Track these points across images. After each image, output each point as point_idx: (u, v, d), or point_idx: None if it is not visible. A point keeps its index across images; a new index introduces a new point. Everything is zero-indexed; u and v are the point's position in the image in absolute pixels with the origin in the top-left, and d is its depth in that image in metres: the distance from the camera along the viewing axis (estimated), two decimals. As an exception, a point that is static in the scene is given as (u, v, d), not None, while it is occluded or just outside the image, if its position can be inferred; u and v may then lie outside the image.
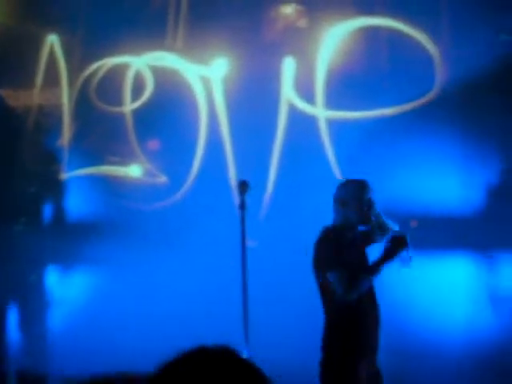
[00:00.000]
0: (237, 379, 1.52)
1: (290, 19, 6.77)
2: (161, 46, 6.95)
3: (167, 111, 6.83)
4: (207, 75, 6.85)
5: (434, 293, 6.31)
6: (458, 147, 6.37)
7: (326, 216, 6.42)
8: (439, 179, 6.35)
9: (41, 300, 6.98)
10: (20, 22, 7.14)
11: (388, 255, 4.68)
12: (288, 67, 6.71)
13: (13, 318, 6.99)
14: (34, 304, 6.97)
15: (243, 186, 5.03)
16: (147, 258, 6.59)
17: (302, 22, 6.76)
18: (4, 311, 6.99)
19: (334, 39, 6.66)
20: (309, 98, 6.67)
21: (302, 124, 6.62)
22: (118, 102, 7.01)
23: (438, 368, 6.15)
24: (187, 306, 6.30)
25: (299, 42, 6.70)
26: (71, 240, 6.78)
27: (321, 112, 6.64)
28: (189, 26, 6.90)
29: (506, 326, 6.24)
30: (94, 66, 7.06)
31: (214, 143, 6.75)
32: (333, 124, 6.61)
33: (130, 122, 6.95)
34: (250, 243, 6.07)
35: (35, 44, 7.14)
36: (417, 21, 6.53)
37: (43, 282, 7.02)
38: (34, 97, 7.13)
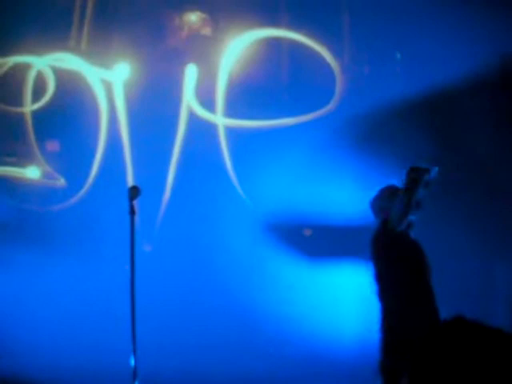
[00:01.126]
0: None
1: (194, 27, 6.82)
2: (64, 48, 6.89)
3: (68, 113, 6.79)
4: (109, 79, 6.83)
5: (326, 302, 6.43)
6: (357, 158, 6.51)
7: (221, 223, 6.52)
8: (336, 190, 6.47)
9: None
10: None
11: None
12: (190, 74, 6.75)
13: None
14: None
15: (134, 191, 5.05)
16: (43, 260, 6.53)
17: (206, 31, 6.81)
18: None
19: (237, 48, 6.74)
20: (209, 105, 6.73)
21: (201, 131, 6.67)
22: (19, 102, 6.91)
23: (328, 379, 6.24)
24: (80, 307, 6.27)
25: (202, 49, 6.76)
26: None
27: (220, 120, 6.70)
28: (93, 28, 6.87)
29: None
30: (-5, 65, 6.94)
31: (114, 147, 6.73)
32: (231, 132, 6.68)
33: (29, 123, 6.87)
34: (145, 247, 6.10)
35: None
36: (319, 35, 6.66)
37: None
38: None
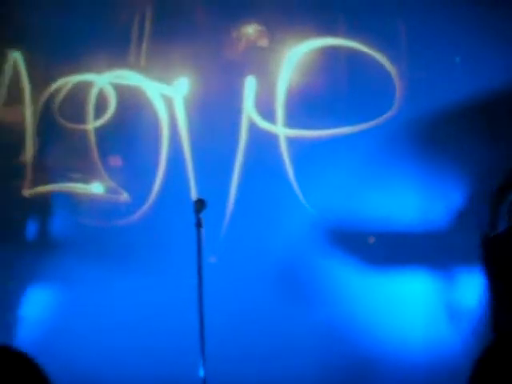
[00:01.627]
0: None
1: (251, 39, 6.85)
2: (124, 64, 6.99)
3: (129, 129, 6.87)
4: (169, 94, 6.90)
5: (393, 309, 6.39)
6: (417, 165, 6.47)
7: (285, 233, 6.53)
8: (398, 196, 6.44)
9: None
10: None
11: None
12: (249, 86, 6.78)
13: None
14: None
15: (199, 204, 5.11)
16: (108, 275, 6.61)
17: (263, 42, 6.84)
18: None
19: (295, 58, 6.75)
20: (269, 116, 6.75)
21: (262, 142, 6.69)
22: (82, 119, 7.03)
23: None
24: (146, 322, 6.33)
25: (260, 61, 6.79)
26: (31, 257, 6.77)
27: (281, 130, 6.72)
28: (152, 44, 6.96)
29: (464, 342, 6.31)
30: (58, 83, 7.07)
31: (176, 161, 6.79)
32: (292, 141, 6.69)
33: (92, 139, 6.97)
34: (210, 259, 6.14)
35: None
36: (376, 41, 6.64)
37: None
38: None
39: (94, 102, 7.01)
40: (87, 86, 7.03)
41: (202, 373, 5.12)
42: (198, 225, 5.09)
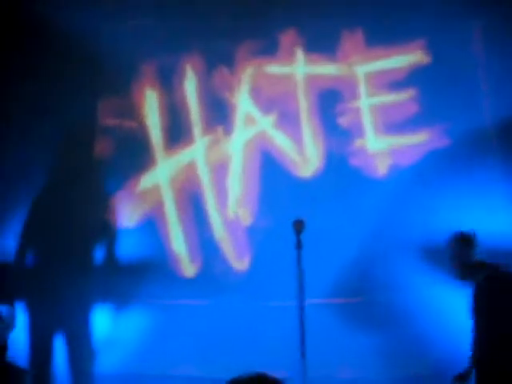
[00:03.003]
0: None
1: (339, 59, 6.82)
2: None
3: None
4: (257, 114, 6.91)
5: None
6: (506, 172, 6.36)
7: (378, 251, 6.42)
8: (489, 208, 6.30)
9: (90, 340, 7.00)
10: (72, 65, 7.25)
11: None
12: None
13: (62, 357, 7.01)
14: (83, 344, 6.99)
15: (299, 225, 5.06)
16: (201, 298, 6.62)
17: (351, 61, 6.80)
18: (52, 351, 7.02)
19: (379, 76, 6.70)
20: (360, 134, 6.70)
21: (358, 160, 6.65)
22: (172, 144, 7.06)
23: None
24: (246, 345, 6.25)
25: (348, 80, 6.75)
26: (125, 279, 6.82)
27: (372, 144, 6.65)
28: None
29: None
30: (146, 108, 7.12)
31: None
32: (385, 160, 6.62)
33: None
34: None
35: (87, 88, 7.21)
36: (462, 54, 6.55)
37: (94, 321, 7.04)
38: (86, 143, 7.23)
39: (182, 125, 7.06)
40: (176, 109, 7.07)
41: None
42: (298, 246, 5.03)
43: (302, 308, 5.05)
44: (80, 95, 7.12)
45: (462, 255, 5.29)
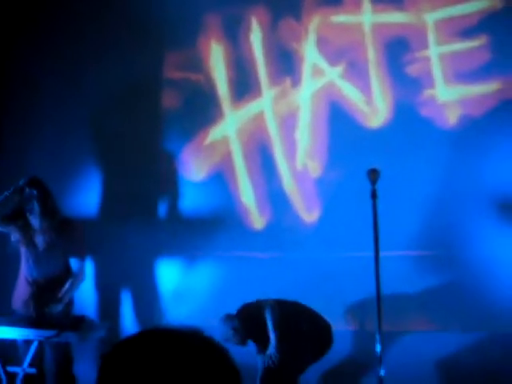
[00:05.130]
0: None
1: (406, 7, 6.68)
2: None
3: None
4: (324, 65, 6.82)
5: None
6: None
7: (452, 202, 6.33)
8: None
9: (157, 293, 7.08)
10: (138, 18, 7.24)
11: None
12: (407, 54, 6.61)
13: (130, 311, 7.11)
14: (151, 297, 7.07)
15: (374, 174, 5.00)
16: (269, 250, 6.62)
17: (416, 9, 6.65)
18: (120, 304, 7.12)
19: (450, 24, 6.54)
20: (430, 85, 6.57)
21: (426, 110, 6.52)
22: (239, 96, 7.03)
23: None
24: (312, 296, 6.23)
25: (416, 29, 6.60)
26: (193, 232, 6.86)
27: (444, 97, 6.52)
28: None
29: None
30: (212, 61, 7.09)
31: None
32: (458, 109, 6.49)
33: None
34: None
35: (152, 41, 7.21)
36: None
37: (162, 274, 7.10)
38: (154, 95, 7.23)
39: (249, 77, 7.01)
40: (243, 61, 7.02)
41: (378, 348, 5.04)
42: (373, 195, 4.99)
43: (377, 259, 5.02)
44: (145, 48, 7.13)
45: None
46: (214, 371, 1.47)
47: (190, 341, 1.54)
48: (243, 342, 5.55)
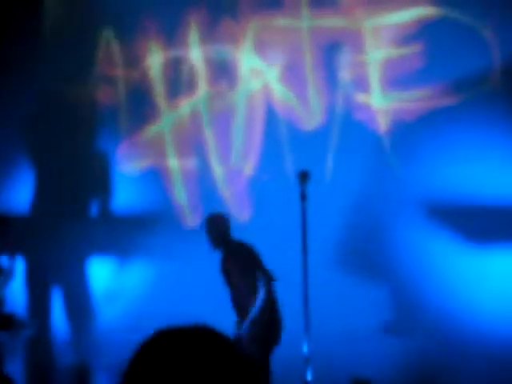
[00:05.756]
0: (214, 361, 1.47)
1: (346, 10, 6.74)
2: (216, 39, 6.96)
3: (224, 104, 6.86)
4: (262, 68, 6.84)
5: (490, 286, 6.24)
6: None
7: (381, 203, 6.43)
8: (498, 169, 6.27)
9: (89, 292, 7.03)
10: (76, 16, 7.20)
11: None
12: (344, 58, 6.68)
13: (59, 310, 7.04)
14: (82, 296, 7.02)
15: (304, 176, 5.04)
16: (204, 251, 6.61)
17: (359, 13, 6.72)
18: (51, 302, 7.04)
19: (390, 30, 6.63)
20: (365, 88, 6.64)
21: (359, 115, 6.59)
22: (175, 94, 7.02)
23: (492, 362, 6.07)
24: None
25: (355, 32, 6.68)
26: (129, 233, 6.82)
27: (377, 103, 6.60)
28: (245, 18, 6.91)
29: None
30: (150, 59, 7.07)
31: (272, 134, 6.74)
32: (390, 115, 6.57)
33: (186, 115, 6.97)
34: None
35: (92, 37, 7.17)
36: (473, 9, 6.45)
37: (94, 274, 7.06)
38: (90, 90, 7.17)
39: (186, 77, 6.99)
40: (180, 61, 7.01)
41: (305, 348, 5.08)
42: (303, 197, 5.03)
43: (305, 260, 5.06)
44: (83, 44, 7.09)
45: None
46: (230, 367, 1.48)
47: (202, 339, 1.55)
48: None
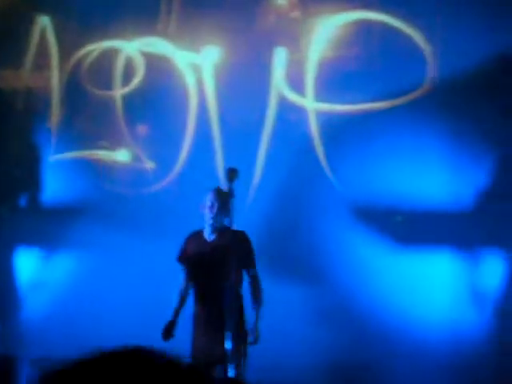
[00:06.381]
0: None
1: (283, 10, 6.77)
2: (153, 32, 6.93)
3: (157, 97, 6.82)
4: (198, 62, 6.84)
5: (417, 287, 6.34)
6: (448, 143, 6.39)
7: (310, 205, 6.49)
8: (428, 175, 6.37)
9: (15, 284, 6.95)
10: (11, 2, 7.10)
11: None
12: (279, 57, 6.70)
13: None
14: (10, 287, 6.94)
15: (232, 173, 5.02)
16: (131, 241, 6.58)
17: (296, 13, 6.75)
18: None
19: (327, 32, 6.66)
20: (299, 89, 6.67)
21: (291, 115, 6.63)
22: (108, 86, 6.98)
23: (418, 365, 6.17)
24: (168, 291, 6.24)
25: (292, 32, 6.70)
26: (56, 223, 6.76)
27: (310, 104, 6.64)
28: (181, 12, 6.88)
29: (487, 323, 6.27)
30: (85, 49, 7.02)
31: (203, 130, 6.74)
32: (322, 116, 6.62)
33: (119, 107, 6.93)
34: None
35: (26, 25, 7.09)
36: (410, 17, 6.53)
37: (23, 265, 6.98)
38: (22, 78, 7.08)
39: (121, 69, 6.96)
40: (115, 52, 6.97)
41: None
42: (230, 195, 5.02)
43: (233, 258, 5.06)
44: (18, 32, 7.01)
45: None
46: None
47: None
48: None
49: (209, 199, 5.16)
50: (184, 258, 5.33)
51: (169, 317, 5.26)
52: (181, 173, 6.74)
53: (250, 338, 5.14)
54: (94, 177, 6.89)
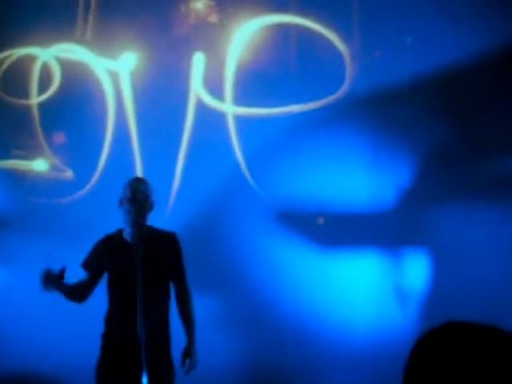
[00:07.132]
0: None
1: (200, 14, 6.72)
2: (69, 38, 6.81)
3: (75, 105, 6.71)
4: (115, 69, 6.74)
5: (339, 290, 6.35)
6: (367, 146, 6.41)
7: (231, 210, 6.46)
8: (348, 177, 6.39)
9: None
10: None
11: None
12: (197, 63, 6.65)
13: None
14: None
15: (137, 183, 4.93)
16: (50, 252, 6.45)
17: (213, 18, 6.71)
18: None
19: (245, 36, 6.62)
20: (217, 93, 6.63)
21: (210, 120, 6.58)
22: (24, 94, 6.84)
23: (341, 368, 6.17)
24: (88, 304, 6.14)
25: (209, 37, 6.65)
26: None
27: (229, 108, 6.60)
28: (98, 18, 6.78)
29: (411, 323, 6.30)
30: (0, 56, 6.88)
31: (121, 138, 6.65)
32: (241, 120, 6.59)
33: (36, 115, 6.80)
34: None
35: None
36: (328, 20, 6.54)
37: None
38: None
39: (37, 76, 6.82)
40: (31, 59, 6.83)
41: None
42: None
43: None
44: None
45: None
46: None
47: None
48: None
49: (128, 191, 4.52)
50: (92, 263, 4.79)
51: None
52: (99, 182, 6.63)
53: (184, 366, 4.58)
54: (11, 187, 6.73)
